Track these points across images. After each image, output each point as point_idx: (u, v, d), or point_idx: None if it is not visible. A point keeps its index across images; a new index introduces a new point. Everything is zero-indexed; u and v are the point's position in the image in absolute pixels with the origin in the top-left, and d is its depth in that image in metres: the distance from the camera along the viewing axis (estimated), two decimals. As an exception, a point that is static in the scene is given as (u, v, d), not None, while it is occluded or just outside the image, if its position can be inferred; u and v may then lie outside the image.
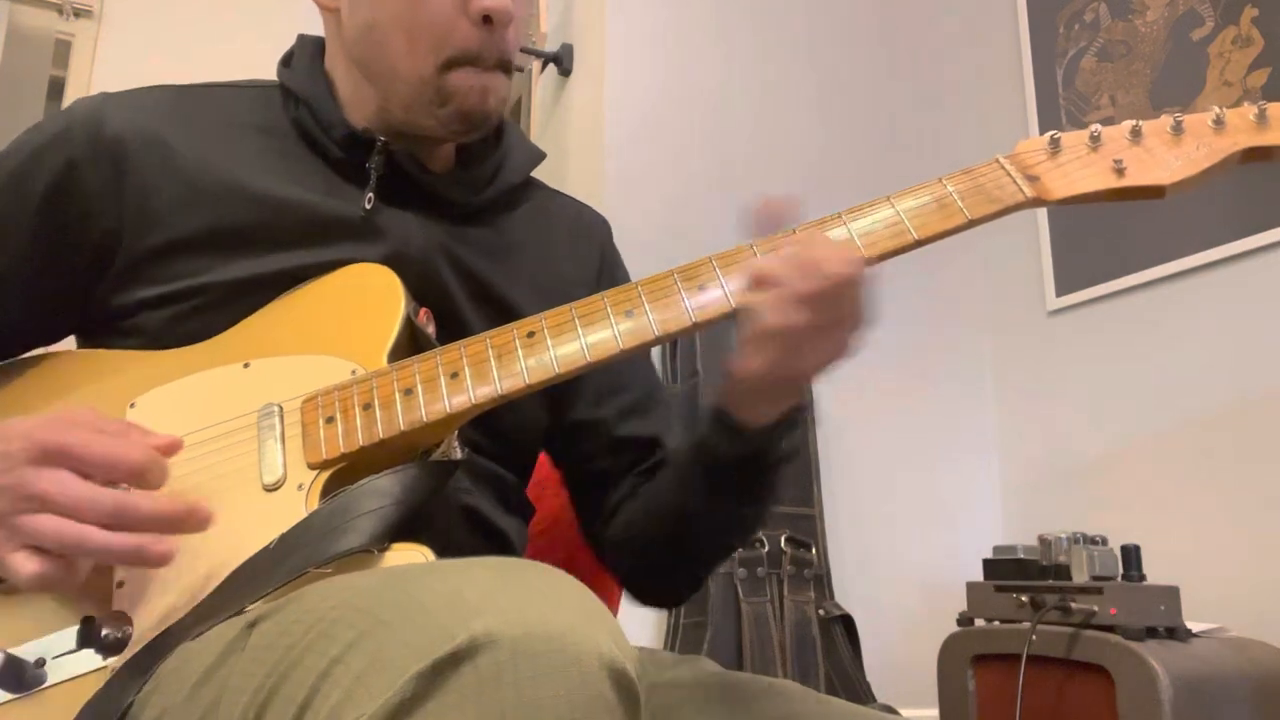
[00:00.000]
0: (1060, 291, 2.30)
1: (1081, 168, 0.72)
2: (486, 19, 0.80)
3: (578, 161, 2.34)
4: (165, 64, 2.53)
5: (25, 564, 0.60)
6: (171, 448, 0.67)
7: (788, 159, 2.37)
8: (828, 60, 2.50)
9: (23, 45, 2.49)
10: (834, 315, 0.68)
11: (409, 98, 0.82)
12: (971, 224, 0.71)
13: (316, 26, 0.93)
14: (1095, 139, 0.73)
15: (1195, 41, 2.07)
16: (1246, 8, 1.97)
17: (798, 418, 0.78)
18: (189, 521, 0.62)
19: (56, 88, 2.53)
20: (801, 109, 2.43)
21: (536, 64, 2.67)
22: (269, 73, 0.92)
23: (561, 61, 2.49)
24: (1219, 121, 0.71)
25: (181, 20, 2.61)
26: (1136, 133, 0.72)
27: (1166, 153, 0.71)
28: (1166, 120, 0.72)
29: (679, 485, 0.83)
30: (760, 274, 0.69)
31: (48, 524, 0.60)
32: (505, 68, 0.84)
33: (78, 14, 2.55)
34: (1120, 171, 0.71)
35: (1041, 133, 2.36)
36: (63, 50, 2.54)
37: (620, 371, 0.94)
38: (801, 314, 0.67)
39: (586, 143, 2.32)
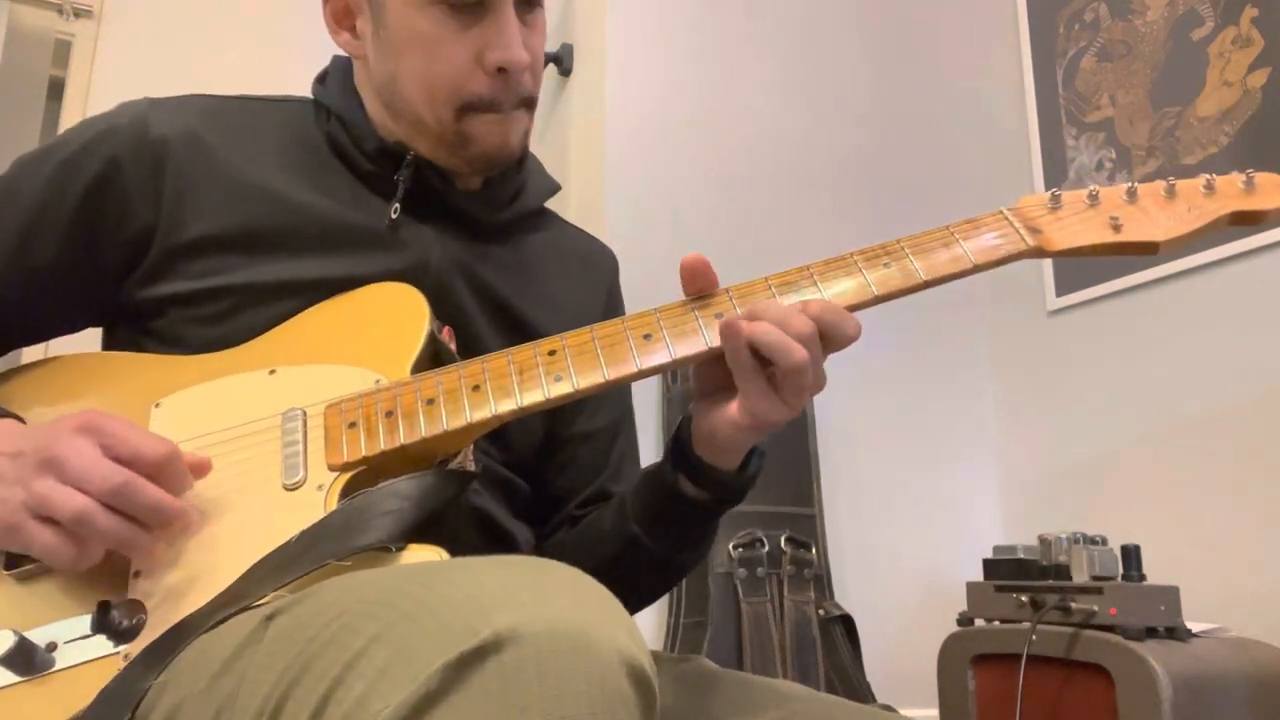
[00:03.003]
0: (1060, 291, 2.31)
1: (1080, 223, 0.76)
2: (501, 69, 0.83)
3: (578, 161, 2.34)
4: (165, 64, 2.53)
5: (40, 535, 0.63)
6: (200, 466, 0.69)
7: (787, 157, 2.38)
8: (827, 59, 2.50)
9: (23, 45, 2.48)
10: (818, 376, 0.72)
11: (433, 140, 0.86)
12: (977, 269, 0.75)
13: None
14: (1093, 197, 0.77)
15: (1195, 41, 2.08)
16: (1246, 8, 1.97)
17: (759, 461, 0.80)
18: (178, 524, 0.66)
19: (56, 88, 2.52)
20: (800, 108, 2.43)
21: (536, 64, 2.66)
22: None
23: (561, 61, 2.49)
24: (1209, 187, 0.76)
25: (182, 20, 2.60)
26: (1132, 193, 0.76)
27: (1160, 212, 0.75)
28: (1160, 184, 0.77)
29: (620, 519, 0.85)
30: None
31: (57, 492, 0.62)
32: (528, 105, 0.87)
33: (78, 14, 2.54)
34: (1117, 228, 0.75)
35: (1042, 133, 2.39)
36: (63, 50, 2.53)
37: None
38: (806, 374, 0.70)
39: (586, 142, 2.31)
